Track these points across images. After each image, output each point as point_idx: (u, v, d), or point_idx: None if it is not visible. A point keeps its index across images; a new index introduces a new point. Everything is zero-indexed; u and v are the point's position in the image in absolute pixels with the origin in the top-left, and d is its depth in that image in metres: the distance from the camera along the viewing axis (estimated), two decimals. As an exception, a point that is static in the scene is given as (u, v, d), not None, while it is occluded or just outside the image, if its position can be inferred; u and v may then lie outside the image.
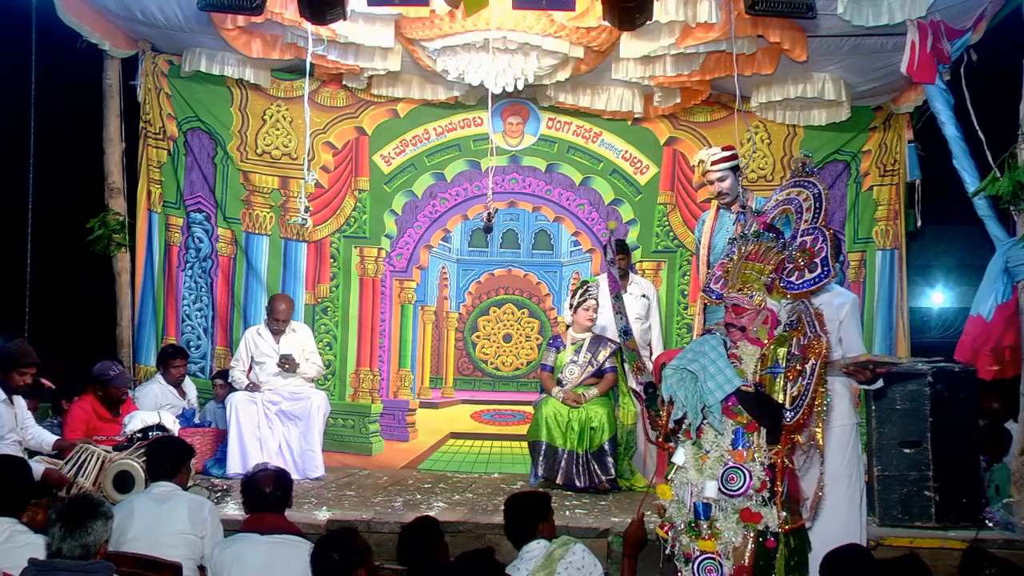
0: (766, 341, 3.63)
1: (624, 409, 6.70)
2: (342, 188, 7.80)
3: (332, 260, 7.79)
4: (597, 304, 6.68)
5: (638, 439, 6.69)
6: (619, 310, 4.13)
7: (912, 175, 7.48)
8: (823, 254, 3.65)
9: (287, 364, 6.88)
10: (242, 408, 6.75)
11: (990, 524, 5.14)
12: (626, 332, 4.11)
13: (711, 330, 4.00)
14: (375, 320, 7.81)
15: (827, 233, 3.70)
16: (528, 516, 4.01)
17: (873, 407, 5.51)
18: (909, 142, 7.46)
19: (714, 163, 6.14)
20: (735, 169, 6.01)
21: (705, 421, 3.60)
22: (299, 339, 7.11)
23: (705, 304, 5.85)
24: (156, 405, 6.44)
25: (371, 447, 7.67)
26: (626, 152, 7.84)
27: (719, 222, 6.06)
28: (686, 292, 7.73)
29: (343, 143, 7.80)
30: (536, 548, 3.91)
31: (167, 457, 4.44)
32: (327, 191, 7.75)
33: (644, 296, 7.06)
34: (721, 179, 6.09)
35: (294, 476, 5.43)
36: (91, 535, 3.24)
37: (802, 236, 3.73)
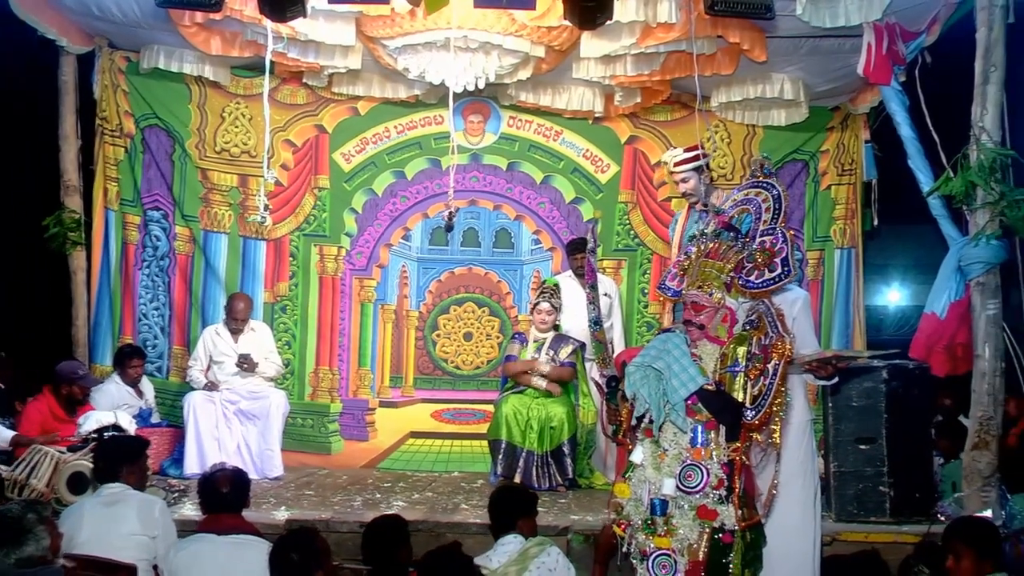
0: (725, 339, 3.64)
1: (584, 409, 6.73)
2: (302, 186, 7.75)
3: (291, 258, 7.74)
4: (550, 308, 6.68)
5: (598, 438, 6.71)
6: (592, 300, 4.13)
7: (868, 175, 7.57)
8: (783, 254, 3.66)
9: (245, 363, 6.85)
10: (200, 408, 6.72)
11: (942, 518, 5.21)
12: (596, 323, 4.11)
13: (668, 328, 4.01)
14: (335, 319, 7.78)
15: (787, 234, 3.72)
16: (513, 508, 4.04)
17: (830, 404, 5.56)
18: (866, 142, 7.54)
19: (676, 164, 6.17)
20: (699, 169, 6.04)
21: (667, 419, 3.60)
22: (258, 338, 7.08)
23: (675, 302, 5.89)
24: (113, 405, 6.36)
25: (330, 446, 7.63)
26: (587, 151, 7.86)
27: (690, 221, 6.09)
28: (646, 291, 7.77)
29: (303, 141, 7.74)
30: (512, 542, 3.93)
31: (111, 458, 4.36)
32: (286, 189, 7.70)
33: (606, 295, 7.05)
34: (684, 180, 6.12)
35: (252, 476, 5.41)
36: (28, 547, 3.22)
37: (761, 236, 3.75)
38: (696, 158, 6.08)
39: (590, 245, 4.28)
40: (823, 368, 3.96)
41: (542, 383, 6.57)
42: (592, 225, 4.41)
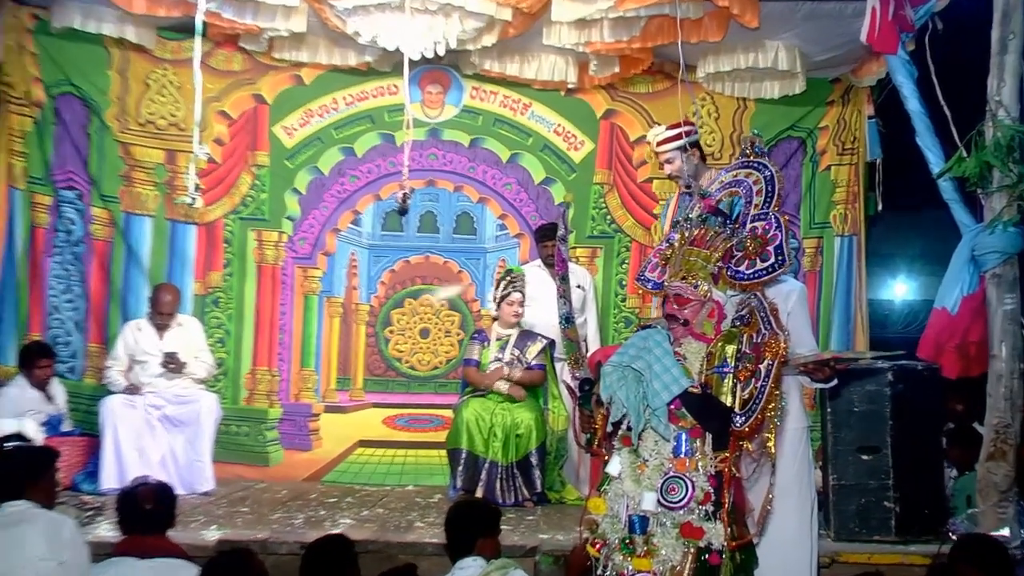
0: (712, 337, 3.64)
1: (554, 414, 6.74)
2: (238, 163, 7.71)
3: (226, 245, 7.69)
4: (523, 298, 6.70)
5: (569, 447, 6.71)
6: (563, 294, 4.10)
7: (873, 154, 7.59)
8: (776, 241, 3.66)
9: (172, 363, 6.81)
10: (119, 414, 6.64)
11: (954, 537, 5.23)
12: (568, 319, 4.08)
13: (647, 324, 3.99)
14: (274, 313, 7.74)
15: (781, 220, 3.72)
16: (472, 526, 4.01)
17: (828, 409, 5.56)
18: (869, 118, 7.56)
19: (659, 144, 6.16)
20: (684, 149, 6.02)
21: (647, 426, 3.59)
22: (186, 335, 7.03)
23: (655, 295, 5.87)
24: (17, 412, 6.28)
25: (268, 457, 7.59)
26: (559, 126, 7.87)
27: (680, 206, 6.09)
28: (624, 282, 7.79)
29: (239, 113, 7.70)
30: (472, 566, 3.90)
31: (13, 472, 4.23)
32: (220, 167, 7.64)
33: (579, 287, 7.05)
34: (668, 161, 6.10)
35: (179, 491, 5.38)
36: None
37: (753, 222, 3.75)
38: (680, 136, 6.07)
39: (561, 232, 4.23)
40: (820, 370, 3.98)
41: (504, 386, 6.57)
42: (563, 209, 4.39)
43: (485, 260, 7.95)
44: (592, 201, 7.84)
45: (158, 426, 6.75)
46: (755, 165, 3.87)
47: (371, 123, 7.85)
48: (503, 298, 6.73)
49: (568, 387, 4.06)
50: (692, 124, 6.31)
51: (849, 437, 5.48)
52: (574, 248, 7.73)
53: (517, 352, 6.69)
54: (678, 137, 6.03)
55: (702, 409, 3.55)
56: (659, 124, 6.74)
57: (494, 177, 7.91)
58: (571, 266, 7.18)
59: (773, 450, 3.49)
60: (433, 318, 7.92)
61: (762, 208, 3.76)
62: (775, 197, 3.76)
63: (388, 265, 7.94)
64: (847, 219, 7.72)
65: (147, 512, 3.98)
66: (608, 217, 7.85)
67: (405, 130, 6.90)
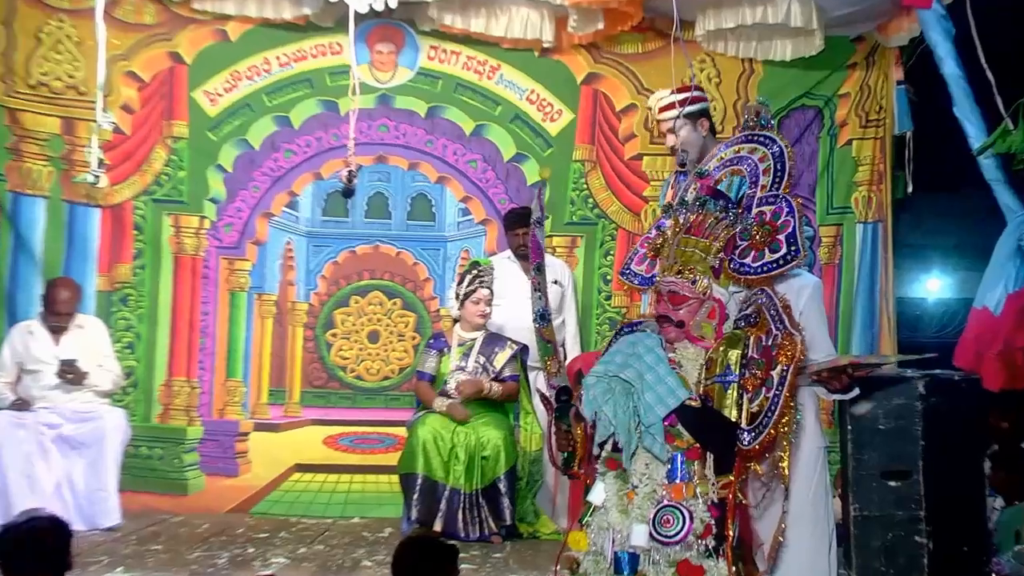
0: (713, 340, 3.65)
1: (526, 432, 6.72)
2: (150, 135, 7.65)
3: (136, 232, 7.63)
4: (491, 295, 6.65)
5: (545, 471, 6.66)
6: (539, 287, 4.08)
7: (902, 126, 7.62)
8: (788, 228, 3.69)
9: (70, 373, 6.76)
10: (5, 434, 6.56)
11: (998, 579, 5.22)
12: (544, 316, 4.06)
13: (631, 324, 3.98)
14: (194, 313, 7.70)
15: (794, 203, 3.75)
16: (424, 566, 3.98)
17: (849, 426, 5.53)
18: (898, 83, 7.58)
19: (662, 110, 6.10)
20: (695, 117, 5.95)
21: (639, 446, 3.57)
22: (87, 339, 7.00)
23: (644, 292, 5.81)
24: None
25: (187, 484, 7.54)
26: (532, 92, 7.86)
27: (679, 187, 6.03)
28: (609, 277, 7.78)
29: (152, 74, 7.64)
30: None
31: None
32: (129, 139, 7.59)
33: (556, 282, 7.05)
34: (675, 131, 6.03)
35: (78, 526, 5.53)
36: None
37: (760, 206, 3.78)
38: (689, 100, 5.98)
39: (536, 215, 4.21)
40: (837, 378, 3.93)
41: (440, 404, 6.54)
42: (539, 188, 4.32)
43: (445, 251, 7.94)
44: (571, 181, 7.84)
45: (52, 448, 6.68)
46: (761, 139, 3.89)
47: (310, 88, 7.82)
48: (467, 295, 6.69)
49: (542, 396, 4.06)
50: (702, 89, 6.26)
51: (873, 460, 5.43)
52: (550, 237, 7.69)
53: (483, 360, 6.66)
54: (686, 102, 5.94)
55: (701, 425, 3.55)
56: (652, 90, 6.72)
57: (456, 153, 7.89)
58: (547, 257, 7.19)
59: (787, 472, 3.53)
60: (384, 319, 7.91)
61: (770, 189, 3.79)
62: (785, 176, 3.79)
63: (330, 256, 7.92)
64: (871, 203, 7.73)
65: (38, 553, 3.88)
66: (590, 200, 7.84)
67: (351, 97, 6.96)
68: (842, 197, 7.77)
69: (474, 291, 6.67)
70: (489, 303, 6.69)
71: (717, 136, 7.33)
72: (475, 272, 6.74)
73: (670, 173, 6.51)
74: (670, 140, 6.00)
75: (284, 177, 7.83)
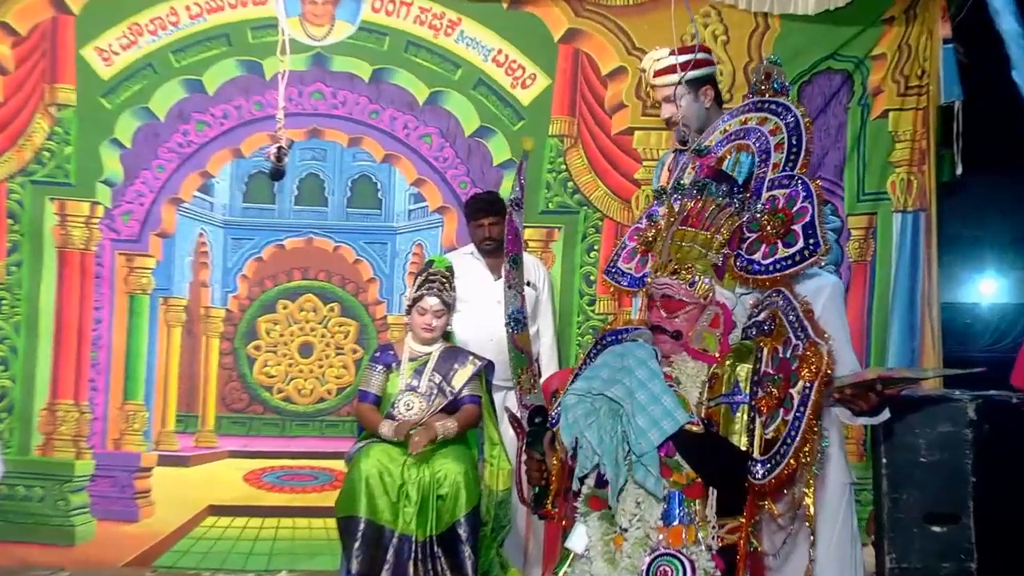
0: (717, 353, 3.66)
1: (493, 466, 6.64)
2: (28, 102, 7.63)
3: (11, 221, 7.62)
4: (441, 305, 6.55)
5: (514, 513, 6.65)
6: (514, 284, 4.07)
7: (949, 95, 7.60)
8: (807, 217, 3.68)
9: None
10: None
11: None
12: (518, 320, 4.05)
13: (616, 332, 3.99)
14: (84, 321, 7.66)
15: (812, 185, 3.73)
16: None
17: (884, 459, 5.56)
18: (945, 43, 7.58)
19: (658, 74, 6.11)
20: (699, 83, 5.97)
21: (629, 480, 3.55)
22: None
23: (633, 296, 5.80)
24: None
25: (74, 532, 7.49)
26: (499, 53, 7.89)
27: (679, 167, 6.05)
28: (593, 278, 7.82)
29: (30, 26, 7.63)
30: None
31: None
32: (2, 106, 7.60)
33: (529, 284, 7.02)
34: (672, 99, 6.04)
35: None
36: None
37: (771, 189, 3.79)
38: (693, 64, 5.99)
39: (515, 194, 4.18)
40: (863, 396, 3.90)
41: (387, 429, 6.45)
42: (521, 161, 4.32)
43: (394, 245, 7.96)
44: (547, 161, 7.86)
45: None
46: (773, 107, 3.90)
47: (227, 45, 7.82)
48: (413, 303, 6.63)
49: (512, 417, 4.04)
50: (707, 50, 6.26)
51: (913, 499, 5.48)
52: (524, 228, 7.66)
53: (439, 379, 6.57)
54: (688, 65, 5.96)
55: (705, 455, 3.53)
56: (646, 50, 6.71)
57: (406, 126, 7.90)
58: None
59: (813, 511, 3.46)
60: (319, 329, 7.93)
61: (784, 169, 3.79)
62: (802, 152, 3.79)
63: (253, 252, 7.93)
64: (911, 188, 7.72)
65: None
66: (570, 184, 7.87)
67: (278, 57, 6.91)
68: (876, 181, 7.75)
69: (420, 298, 6.60)
70: (438, 315, 6.57)
71: (724, 107, 7.42)
72: (425, 276, 6.69)
73: (666, 151, 6.52)
74: (667, 111, 6.02)
75: (196, 155, 7.82)
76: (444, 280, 6.61)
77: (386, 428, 6.41)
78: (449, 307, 6.61)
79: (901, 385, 4.12)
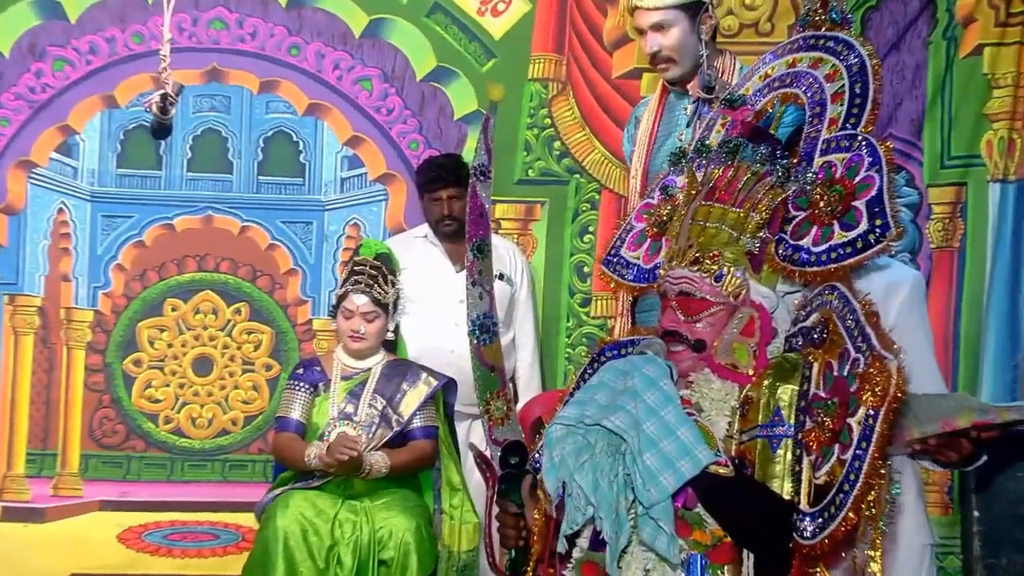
0: (751, 371, 3.70)
1: (453, 520, 6.66)
2: None
3: None
4: (374, 307, 6.54)
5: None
6: (479, 279, 4.10)
7: (1068, 26, 7.67)
8: (872, 190, 3.67)
9: None
10: None
11: None
12: (485, 327, 4.08)
13: (618, 346, 4.03)
14: None
15: (880, 149, 3.72)
16: None
17: (976, 512, 5.61)
18: (1060, -47, 7.65)
19: (647, -3, 6.19)
20: (693, 8, 6.04)
21: (634, 540, 3.55)
22: None
23: (637, 295, 5.83)
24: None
25: None
26: (463, -34, 7.95)
27: (667, 118, 6.13)
28: (587, 269, 7.90)
29: None
30: None
31: None
32: None
33: (502, 277, 7.05)
34: (660, 27, 6.12)
35: None
36: None
37: (827, 154, 3.81)
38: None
39: (479, 161, 4.22)
40: (952, 447, 3.91)
41: (312, 455, 6.42)
42: (487, 117, 4.36)
43: (322, 224, 8.05)
44: (526, 114, 7.96)
45: None
46: (830, 44, 3.92)
47: (94, -42, 7.84)
48: (338, 302, 6.61)
49: (480, 457, 4.07)
50: None
51: (1016, 565, 5.53)
52: (494, 203, 7.61)
53: (382, 403, 6.58)
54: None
55: (735, 506, 3.55)
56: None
57: (338, 66, 7.97)
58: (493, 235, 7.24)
59: None
60: (220, 337, 7.99)
61: (843, 126, 3.80)
62: (868, 105, 3.79)
63: (132, 235, 7.98)
64: (1014, 149, 7.71)
65: None
66: (557, 145, 7.97)
67: (164, -30, 6.94)
68: (966, 140, 7.75)
69: (346, 296, 6.54)
70: (372, 318, 6.53)
71: (761, 40, 7.51)
72: (350, 266, 6.68)
73: (643, 100, 6.54)
74: (651, 42, 6.08)
75: (53, 104, 7.87)
76: (375, 271, 6.55)
77: (314, 451, 6.32)
78: (385, 307, 6.55)
79: (1001, 428, 3.94)
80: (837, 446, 3.37)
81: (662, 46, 5.97)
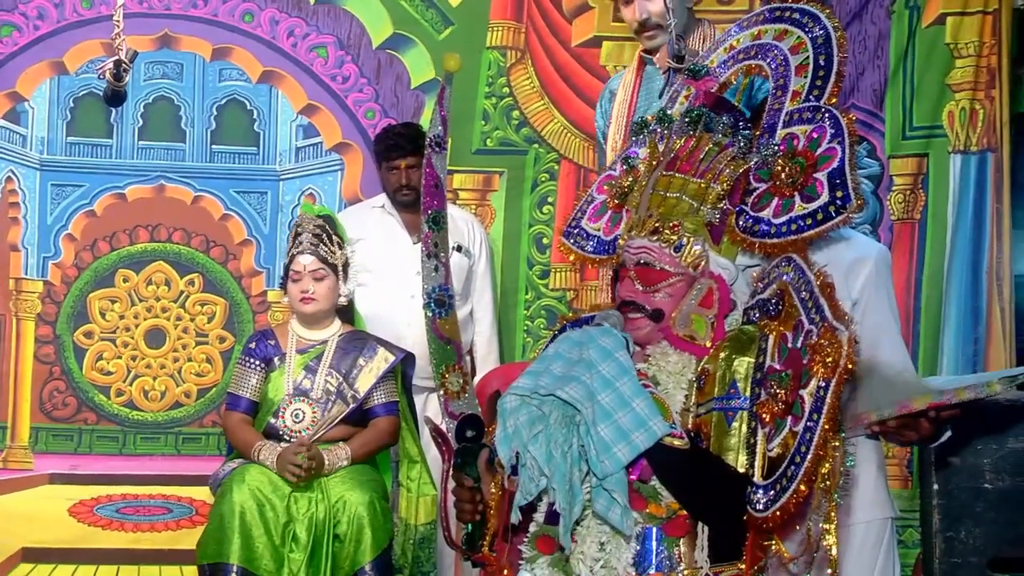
0: (708, 344, 3.71)
1: (410, 493, 6.68)
2: None
3: None
4: (322, 266, 6.45)
5: (440, 557, 6.75)
6: (434, 251, 4.10)
7: (1026, -3, 7.70)
8: (834, 162, 3.69)
9: None
10: None
11: None
12: (441, 301, 4.09)
13: (580, 321, 4.02)
14: None
15: (843, 120, 3.75)
16: None
17: (936, 486, 5.66)
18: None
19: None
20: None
21: (589, 512, 3.56)
22: None
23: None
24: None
25: None
26: (419, -71, 7.94)
27: (645, 90, 6.17)
28: (547, 240, 7.92)
29: None
30: None
31: None
32: None
33: (459, 248, 7.09)
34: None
35: None
36: None
37: (789, 125, 3.83)
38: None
39: (434, 132, 4.26)
40: (912, 427, 3.96)
41: (268, 455, 6.33)
42: (443, 83, 4.39)
43: (277, 194, 8.06)
44: (484, 83, 7.97)
45: None
46: (795, 17, 3.95)
47: (45, -82, 7.81)
48: (285, 271, 6.58)
49: (435, 430, 4.07)
50: None
51: (976, 538, 5.55)
52: (449, 173, 7.62)
53: (338, 379, 6.60)
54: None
55: (690, 478, 3.56)
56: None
57: (292, 32, 7.98)
58: (449, 205, 7.26)
59: (836, 553, 3.40)
60: (173, 309, 7.98)
61: (807, 98, 3.82)
62: (831, 77, 3.82)
63: (83, 204, 7.98)
64: (976, 120, 7.76)
65: None
66: (515, 114, 7.99)
67: (114, -69, 6.95)
68: (928, 111, 7.80)
69: (294, 257, 6.49)
70: (321, 277, 6.43)
71: (723, 8, 7.54)
72: (293, 229, 6.64)
73: (616, 74, 6.57)
74: (636, 9, 6.12)
75: (0, 70, 7.86)
76: (319, 230, 6.51)
77: (266, 454, 6.33)
78: (335, 268, 6.51)
79: (959, 407, 3.98)
80: (790, 418, 3.38)
81: (651, 13, 6.03)
